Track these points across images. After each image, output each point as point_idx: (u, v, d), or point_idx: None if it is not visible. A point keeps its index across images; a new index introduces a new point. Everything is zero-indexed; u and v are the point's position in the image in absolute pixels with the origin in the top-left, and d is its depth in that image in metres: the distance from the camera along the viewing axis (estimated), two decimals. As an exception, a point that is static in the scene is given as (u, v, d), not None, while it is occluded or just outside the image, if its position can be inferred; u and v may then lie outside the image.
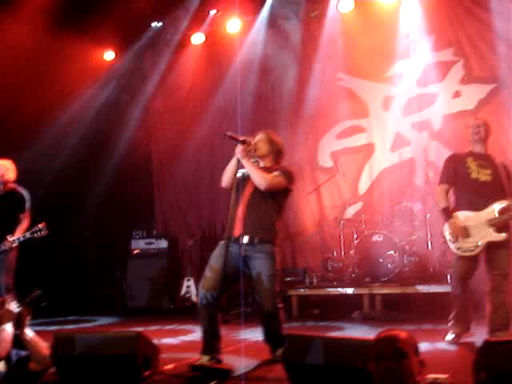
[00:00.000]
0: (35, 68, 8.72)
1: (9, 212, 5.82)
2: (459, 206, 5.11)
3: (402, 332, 2.47)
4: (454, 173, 5.15)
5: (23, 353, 3.86)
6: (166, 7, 9.28)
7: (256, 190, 4.44)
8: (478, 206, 5.00)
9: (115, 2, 8.38)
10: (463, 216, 5.03)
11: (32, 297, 4.07)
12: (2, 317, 3.80)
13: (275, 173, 4.48)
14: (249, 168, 4.44)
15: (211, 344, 4.38)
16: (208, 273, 4.39)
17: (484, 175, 5.06)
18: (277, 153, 4.65)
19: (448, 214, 5.09)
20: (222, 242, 4.43)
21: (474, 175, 5.05)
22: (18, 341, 3.90)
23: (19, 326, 3.89)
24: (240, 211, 4.43)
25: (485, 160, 5.12)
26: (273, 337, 4.50)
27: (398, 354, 2.36)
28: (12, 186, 6.00)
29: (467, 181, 5.06)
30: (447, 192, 5.18)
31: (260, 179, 4.40)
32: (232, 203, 4.43)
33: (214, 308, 4.38)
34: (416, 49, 8.54)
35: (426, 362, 2.47)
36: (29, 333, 3.97)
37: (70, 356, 4.02)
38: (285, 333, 3.81)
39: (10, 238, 5.63)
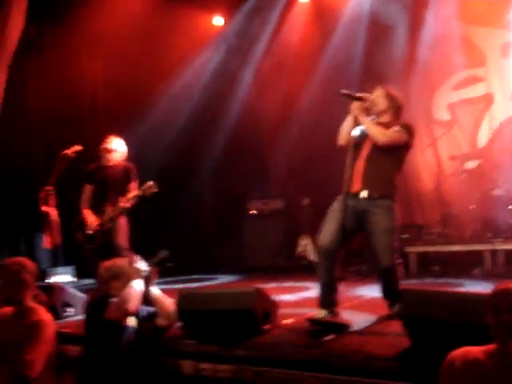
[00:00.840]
0: (146, 39, 9.04)
1: (123, 184, 6.10)
2: None
3: (519, 283, 2.41)
4: None
5: (152, 309, 4.11)
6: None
7: (375, 146, 4.39)
8: None
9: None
10: None
11: (159, 258, 4.30)
12: (131, 274, 4.06)
13: (395, 128, 4.41)
14: (367, 124, 4.40)
15: (329, 298, 4.41)
16: (326, 226, 4.40)
17: None
18: (396, 108, 4.55)
19: None
20: (339, 197, 4.41)
21: None
22: (146, 298, 4.14)
23: (146, 284, 4.13)
24: (359, 167, 4.42)
25: None
26: (390, 293, 4.49)
27: (515, 307, 2.31)
28: (124, 161, 6.27)
29: None
30: None
31: (379, 135, 4.34)
32: (349, 160, 4.39)
33: (332, 261, 4.39)
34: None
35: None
36: (155, 291, 4.21)
37: (194, 311, 4.25)
38: (401, 288, 3.79)
39: (125, 198, 5.95)
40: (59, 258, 8.57)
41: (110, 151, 6.18)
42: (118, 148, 6.22)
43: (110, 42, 8.81)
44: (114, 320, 3.82)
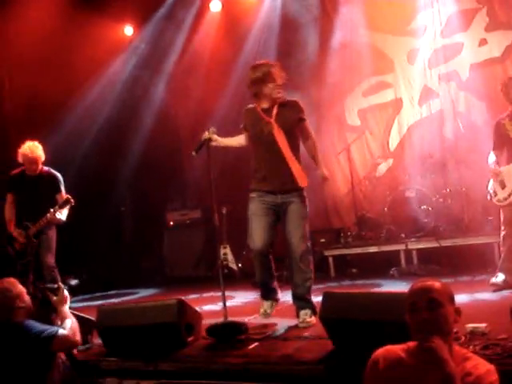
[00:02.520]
0: (57, 46, 8.76)
1: (45, 193, 5.90)
2: (500, 164, 5.41)
3: (435, 282, 2.48)
4: (498, 138, 5.42)
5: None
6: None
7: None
8: None
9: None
10: (503, 169, 5.31)
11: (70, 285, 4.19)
12: (59, 303, 3.90)
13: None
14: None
15: (270, 290, 4.76)
16: (255, 230, 4.60)
17: None
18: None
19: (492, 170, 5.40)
20: (254, 196, 4.64)
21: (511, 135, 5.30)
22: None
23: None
24: (270, 162, 4.62)
25: None
26: (301, 295, 4.59)
27: (433, 304, 2.38)
28: (46, 168, 6.06)
29: (507, 142, 5.32)
30: (498, 156, 5.45)
31: None
32: (258, 156, 4.66)
33: (268, 259, 4.65)
34: (437, -1, 8.35)
35: (461, 310, 2.48)
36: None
37: (115, 327, 4.15)
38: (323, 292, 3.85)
39: (51, 211, 5.74)
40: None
41: (32, 159, 5.92)
42: (40, 154, 5.97)
43: (19, 48, 8.48)
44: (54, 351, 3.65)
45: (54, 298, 3.90)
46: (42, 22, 8.30)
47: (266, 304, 4.80)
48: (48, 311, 3.90)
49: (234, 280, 8.11)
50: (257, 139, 4.71)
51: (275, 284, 4.84)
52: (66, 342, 3.66)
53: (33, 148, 5.95)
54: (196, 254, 9.08)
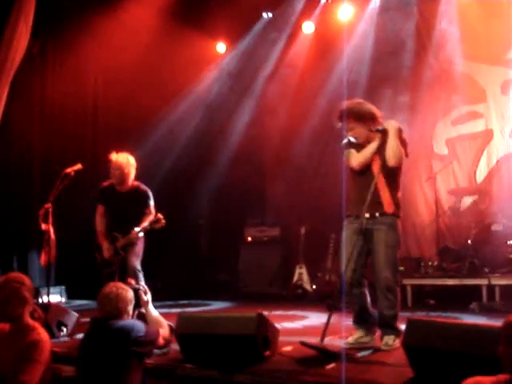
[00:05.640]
0: (151, 60, 9.06)
1: (135, 208, 6.03)
2: None
3: (532, 316, 2.39)
4: None
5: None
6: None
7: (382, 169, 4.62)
8: None
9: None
10: None
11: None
12: (147, 303, 4.03)
13: None
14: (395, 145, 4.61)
15: (365, 318, 4.70)
16: (346, 258, 4.64)
17: None
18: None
19: None
20: (348, 223, 4.73)
21: None
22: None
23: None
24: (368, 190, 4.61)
25: None
26: (386, 318, 4.53)
27: (529, 339, 2.30)
28: (136, 183, 6.18)
29: None
30: None
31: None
32: (358, 185, 4.71)
33: (360, 288, 4.64)
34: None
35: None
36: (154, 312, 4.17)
37: (193, 334, 4.20)
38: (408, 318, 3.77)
39: (135, 230, 5.89)
40: (51, 278, 8.50)
41: (117, 164, 6.04)
42: (124, 162, 6.07)
43: (111, 58, 8.81)
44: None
45: (145, 298, 4.01)
46: (139, 32, 8.60)
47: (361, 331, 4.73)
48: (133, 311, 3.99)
49: (308, 300, 8.11)
50: None
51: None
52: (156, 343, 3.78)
53: (120, 155, 6.08)
54: (271, 272, 9.09)
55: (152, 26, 8.76)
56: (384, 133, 4.61)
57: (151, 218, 5.88)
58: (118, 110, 9.23)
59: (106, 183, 6.27)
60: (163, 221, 5.78)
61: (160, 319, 4.08)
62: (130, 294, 3.79)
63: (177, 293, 8.83)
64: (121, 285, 3.84)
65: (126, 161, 6.07)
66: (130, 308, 3.78)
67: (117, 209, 6.12)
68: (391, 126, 4.62)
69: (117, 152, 6.11)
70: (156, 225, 5.79)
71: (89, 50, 9.16)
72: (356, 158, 4.72)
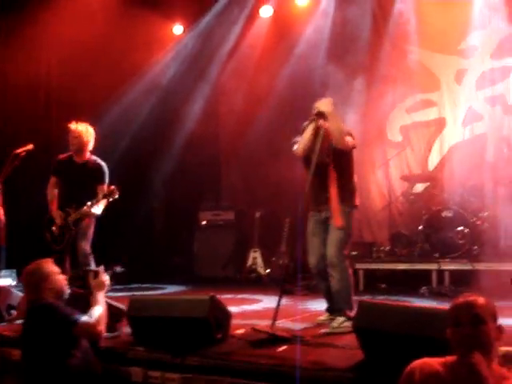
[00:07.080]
0: (108, 41, 8.86)
1: (90, 182, 5.94)
2: None
3: (479, 297, 2.44)
4: None
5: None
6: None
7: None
8: None
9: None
10: None
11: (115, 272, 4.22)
12: (96, 287, 3.93)
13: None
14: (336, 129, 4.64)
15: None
16: (311, 248, 4.86)
17: None
18: None
19: None
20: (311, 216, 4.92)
21: None
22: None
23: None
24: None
25: None
26: (336, 298, 4.71)
27: (476, 320, 2.35)
28: (94, 156, 6.10)
29: None
30: None
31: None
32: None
33: (326, 275, 4.73)
34: (491, 21, 8.22)
35: (504, 328, 2.45)
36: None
37: (145, 317, 4.17)
38: (358, 301, 3.82)
39: (88, 204, 5.77)
40: (1, 260, 8.30)
41: (75, 132, 5.96)
42: (83, 131, 6.00)
43: (65, 37, 8.59)
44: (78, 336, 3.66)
45: (93, 281, 3.94)
46: (95, 11, 8.45)
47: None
48: (87, 295, 3.92)
49: (261, 284, 8.14)
50: None
51: None
52: (88, 330, 3.65)
53: (80, 125, 6.01)
54: (226, 255, 9.09)
55: (108, 5, 8.60)
56: (319, 114, 4.61)
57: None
58: (72, 90, 9.03)
59: (62, 155, 6.19)
60: (117, 192, 5.70)
61: (104, 305, 3.95)
62: (46, 270, 3.74)
63: (131, 276, 8.74)
64: (42, 261, 3.79)
65: (85, 129, 6.03)
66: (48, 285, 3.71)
67: (71, 181, 6.03)
68: (324, 105, 4.62)
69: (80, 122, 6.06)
70: (110, 196, 5.71)
71: (42, 28, 8.88)
72: (298, 146, 4.78)
